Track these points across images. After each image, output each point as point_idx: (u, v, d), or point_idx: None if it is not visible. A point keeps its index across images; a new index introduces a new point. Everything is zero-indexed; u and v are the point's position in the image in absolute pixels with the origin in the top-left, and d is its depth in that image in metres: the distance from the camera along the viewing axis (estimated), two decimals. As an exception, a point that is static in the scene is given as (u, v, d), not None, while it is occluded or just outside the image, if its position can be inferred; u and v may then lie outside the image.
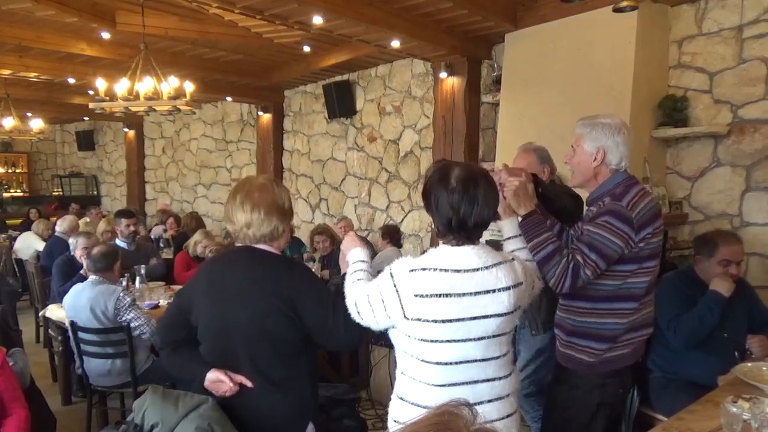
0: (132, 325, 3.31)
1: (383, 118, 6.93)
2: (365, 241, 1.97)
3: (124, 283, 3.94)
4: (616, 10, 3.31)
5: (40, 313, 4.49)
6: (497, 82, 5.42)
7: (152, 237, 7.06)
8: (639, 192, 2.02)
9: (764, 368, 2.15)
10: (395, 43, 5.00)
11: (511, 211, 1.95)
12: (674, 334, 2.60)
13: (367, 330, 1.76)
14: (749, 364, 2.22)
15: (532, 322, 2.89)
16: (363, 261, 1.82)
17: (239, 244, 1.94)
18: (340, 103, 7.18)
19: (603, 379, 2.08)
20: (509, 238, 1.94)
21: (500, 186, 1.93)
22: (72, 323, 3.33)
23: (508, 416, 1.67)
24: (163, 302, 3.97)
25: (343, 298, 1.78)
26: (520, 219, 1.97)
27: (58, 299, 3.94)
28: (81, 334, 3.33)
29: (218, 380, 1.83)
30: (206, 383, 1.85)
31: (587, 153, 2.10)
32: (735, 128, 4.14)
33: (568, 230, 2.21)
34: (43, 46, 5.78)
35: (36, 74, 6.62)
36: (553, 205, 2.22)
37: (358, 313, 1.69)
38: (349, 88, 7.24)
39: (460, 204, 1.57)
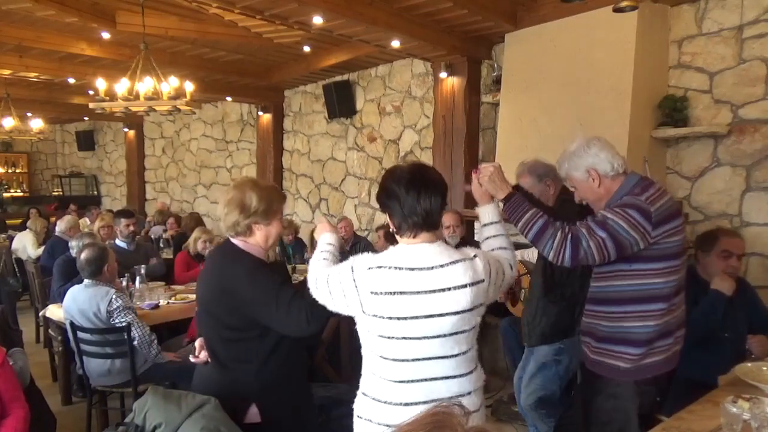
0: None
1: (383, 118, 6.93)
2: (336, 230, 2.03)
3: (124, 283, 3.93)
4: (616, 10, 3.31)
5: (40, 313, 4.49)
6: (497, 82, 5.41)
7: (152, 237, 7.06)
8: (658, 189, 2.02)
9: (764, 368, 2.15)
10: (395, 43, 5.00)
11: (488, 197, 1.93)
12: None
13: (320, 318, 1.85)
14: (749, 364, 2.22)
15: (526, 334, 2.85)
16: (330, 244, 1.87)
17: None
18: (340, 103, 7.18)
19: (641, 387, 2.05)
20: (486, 225, 1.91)
21: (476, 172, 1.96)
22: (71, 323, 3.33)
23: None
24: (162, 302, 3.97)
25: (293, 288, 1.96)
26: (501, 204, 1.96)
27: (58, 299, 3.93)
28: (80, 334, 3.32)
29: (196, 347, 2.15)
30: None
31: (584, 181, 2.11)
32: (735, 128, 4.14)
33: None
34: (43, 46, 5.78)
35: (36, 74, 6.61)
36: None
37: (317, 289, 1.73)
38: (349, 88, 7.24)
39: (408, 191, 1.61)
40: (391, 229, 1.72)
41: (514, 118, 5.04)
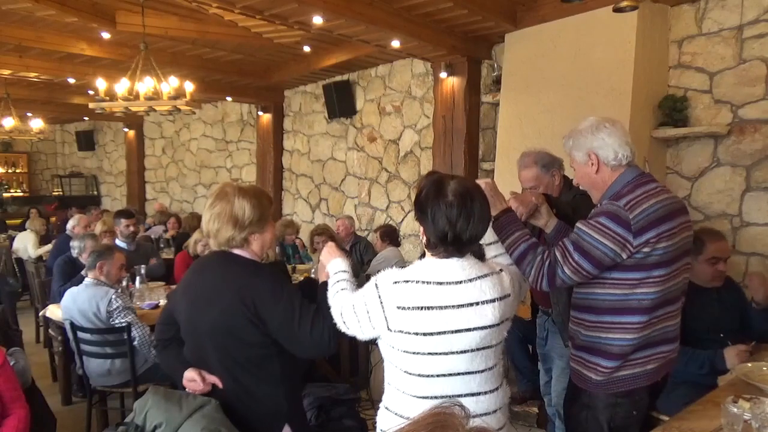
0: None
1: (383, 118, 6.93)
2: (345, 252, 1.96)
3: (124, 283, 3.93)
4: (616, 10, 3.31)
5: (40, 313, 4.49)
6: (497, 82, 5.41)
7: (152, 237, 7.06)
8: (647, 192, 1.86)
9: (765, 368, 2.15)
10: (395, 43, 5.00)
11: None
12: None
13: (338, 335, 1.75)
14: (749, 364, 2.22)
15: (564, 333, 2.76)
16: (344, 271, 1.80)
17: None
18: (340, 103, 7.18)
19: (615, 398, 1.94)
20: (489, 244, 1.86)
21: None
22: (72, 324, 3.33)
23: None
24: (163, 302, 3.97)
25: (310, 304, 1.81)
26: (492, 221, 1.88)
27: (58, 299, 3.93)
28: (80, 334, 3.33)
29: (192, 379, 1.89)
30: (183, 381, 1.92)
31: (582, 163, 1.99)
32: (735, 128, 4.14)
33: None
34: (43, 46, 5.78)
35: (36, 74, 6.61)
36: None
37: (344, 323, 1.68)
38: (349, 88, 7.24)
39: (457, 219, 1.54)
40: (421, 239, 1.66)
41: (514, 118, 5.04)
